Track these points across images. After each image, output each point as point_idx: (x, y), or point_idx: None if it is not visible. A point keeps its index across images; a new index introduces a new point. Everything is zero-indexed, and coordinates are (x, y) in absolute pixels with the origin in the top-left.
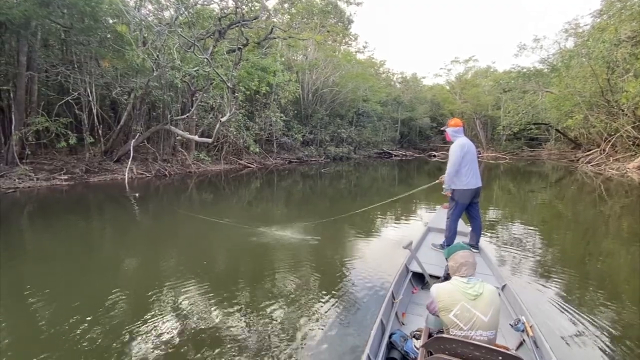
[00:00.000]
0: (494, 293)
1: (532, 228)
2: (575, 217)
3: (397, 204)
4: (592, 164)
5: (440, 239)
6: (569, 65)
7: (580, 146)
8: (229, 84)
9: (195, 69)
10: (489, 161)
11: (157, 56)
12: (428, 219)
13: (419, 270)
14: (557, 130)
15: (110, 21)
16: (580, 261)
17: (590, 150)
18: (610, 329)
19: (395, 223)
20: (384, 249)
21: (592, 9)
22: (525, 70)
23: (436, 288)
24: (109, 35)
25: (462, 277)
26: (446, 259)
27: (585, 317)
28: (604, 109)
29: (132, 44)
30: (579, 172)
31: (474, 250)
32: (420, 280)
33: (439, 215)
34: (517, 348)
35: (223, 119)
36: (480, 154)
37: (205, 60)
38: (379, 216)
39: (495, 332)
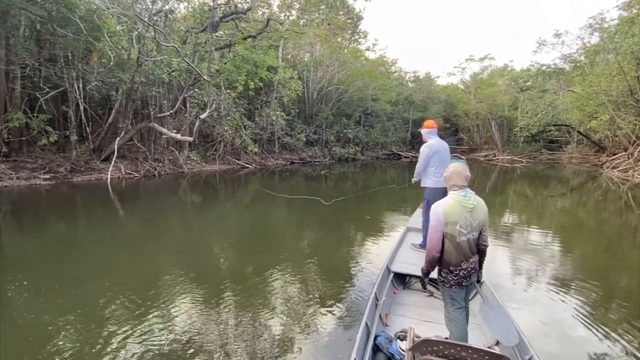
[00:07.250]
0: (482, 203)
1: (547, 235)
2: (598, 226)
3: (404, 206)
4: (618, 169)
5: (419, 238)
6: (593, 62)
7: (605, 150)
8: (205, 77)
9: (161, 58)
10: (504, 164)
11: (139, 49)
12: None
13: (400, 270)
14: (579, 132)
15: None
16: (597, 272)
17: (615, 154)
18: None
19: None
20: (369, 251)
21: (620, 0)
22: (545, 67)
23: (442, 205)
24: (82, 26)
25: (458, 190)
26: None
27: (588, 327)
28: (633, 110)
29: (106, 35)
30: (604, 177)
31: None
32: (402, 280)
33: (417, 216)
34: (497, 344)
35: (202, 116)
36: (495, 156)
37: (175, 49)
38: (373, 217)
39: (479, 232)
